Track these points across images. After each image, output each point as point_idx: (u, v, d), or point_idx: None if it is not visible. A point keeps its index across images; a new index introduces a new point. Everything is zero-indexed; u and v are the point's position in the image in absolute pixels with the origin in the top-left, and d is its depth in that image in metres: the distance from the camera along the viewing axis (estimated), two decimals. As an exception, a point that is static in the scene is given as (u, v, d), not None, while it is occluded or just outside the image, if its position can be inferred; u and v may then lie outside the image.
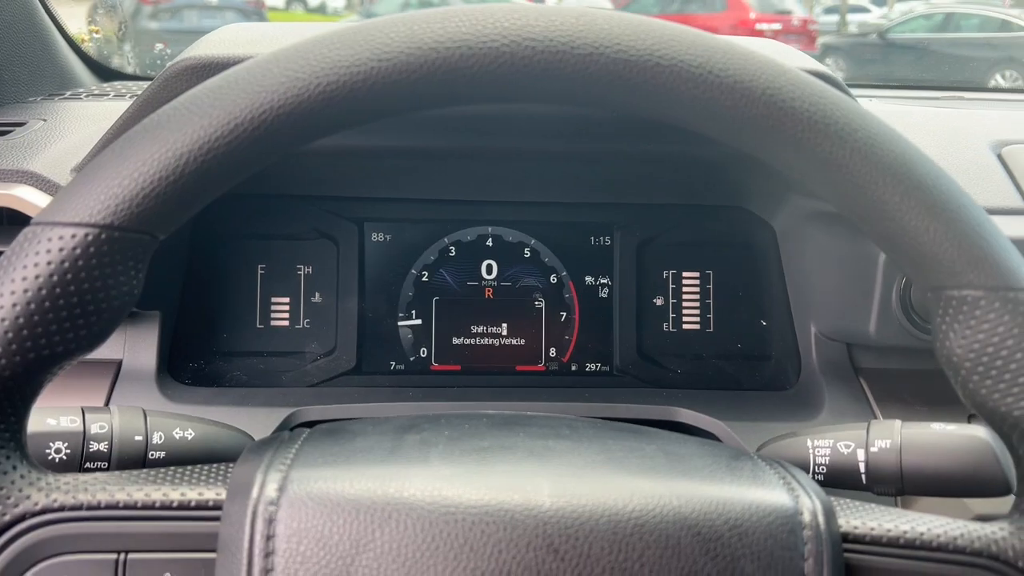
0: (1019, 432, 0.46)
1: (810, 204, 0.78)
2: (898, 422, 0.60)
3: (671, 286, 0.89)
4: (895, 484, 0.59)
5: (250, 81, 0.44)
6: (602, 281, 0.89)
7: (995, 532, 0.46)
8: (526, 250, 0.89)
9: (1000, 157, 0.84)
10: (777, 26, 10.58)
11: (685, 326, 0.89)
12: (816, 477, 0.60)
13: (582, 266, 0.89)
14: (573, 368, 0.89)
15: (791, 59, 0.74)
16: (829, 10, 13.64)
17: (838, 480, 0.60)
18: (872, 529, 0.46)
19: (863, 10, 15.29)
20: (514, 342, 0.89)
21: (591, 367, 0.89)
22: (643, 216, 0.88)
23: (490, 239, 0.88)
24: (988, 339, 0.45)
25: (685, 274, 0.89)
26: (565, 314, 0.89)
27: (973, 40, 10.57)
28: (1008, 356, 0.45)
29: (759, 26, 10.37)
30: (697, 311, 0.89)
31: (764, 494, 0.45)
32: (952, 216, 0.45)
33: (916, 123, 0.88)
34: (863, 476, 0.60)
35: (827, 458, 0.61)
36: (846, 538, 0.45)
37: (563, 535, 0.41)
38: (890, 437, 0.60)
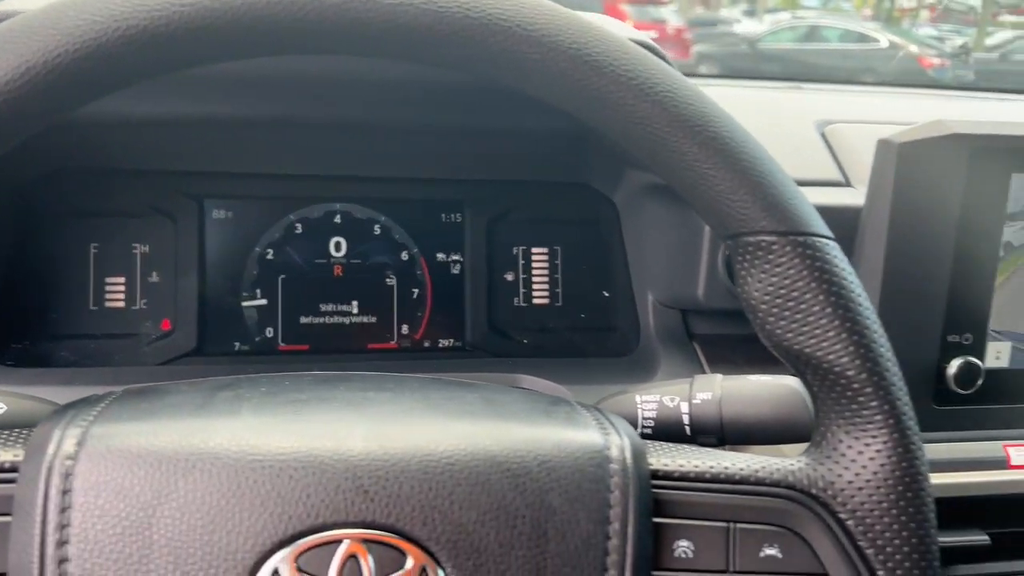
0: (811, 368, 0.49)
1: (645, 178, 0.81)
2: (719, 376, 0.63)
3: (521, 262, 0.90)
4: (716, 434, 0.62)
5: (45, 24, 0.42)
6: (453, 258, 0.90)
7: (792, 465, 0.49)
8: (376, 227, 0.89)
9: (823, 135, 0.89)
10: (653, 34, 10.87)
11: (535, 301, 0.91)
12: (644, 431, 0.63)
13: (433, 243, 0.89)
14: (426, 344, 0.89)
15: (622, 30, 0.77)
16: (702, 23, 14.18)
17: (665, 433, 0.63)
18: (681, 466, 0.48)
19: (734, 22, 15.94)
20: (365, 320, 0.88)
21: (443, 343, 0.89)
22: (493, 193, 0.90)
23: (338, 216, 0.88)
24: (780, 281, 0.48)
25: (534, 250, 0.91)
26: (417, 291, 0.89)
27: (834, 51, 11.22)
28: (798, 297, 0.48)
29: (636, 33, 10.66)
30: (546, 286, 0.91)
31: (575, 434, 0.47)
32: (746, 166, 0.47)
33: (748, 103, 0.92)
34: (687, 428, 0.63)
35: (654, 412, 0.63)
36: (655, 475, 0.47)
37: (373, 476, 0.42)
38: (711, 389, 0.63)
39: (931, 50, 11.28)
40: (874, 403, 0.48)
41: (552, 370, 0.80)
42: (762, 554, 0.47)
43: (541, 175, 0.90)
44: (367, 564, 0.40)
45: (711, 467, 0.48)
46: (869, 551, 0.48)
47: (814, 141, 0.87)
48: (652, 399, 0.64)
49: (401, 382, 0.52)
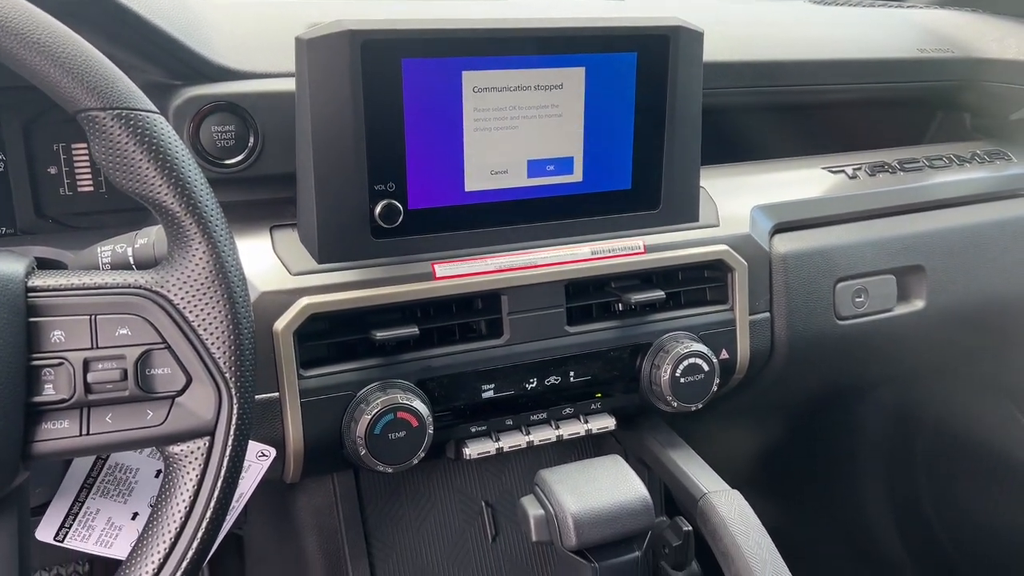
0: (154, 208, 0.70)
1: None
2: (157, 227, 0.83)
3: (63, 156, 1.06)
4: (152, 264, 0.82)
5: None
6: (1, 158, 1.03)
7: (142, 276, 0.71)
8: None
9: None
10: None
11: (80, 189, 1.07)
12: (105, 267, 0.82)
13: None
14: None
15: None
16: None
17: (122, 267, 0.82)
18: (58, 283, 0.68)
19: None
20: None
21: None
22: (26, 97, 1.02)
23: None
24: (113, 146, 0.68)
25: (75, 145, 1.06)
26: None
27: None
28: (129, 157, 0.68)
29: None
30: (89, 175, 1.07)
31: None
32: (66, 59, 0.66)
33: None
34: (132, 262, 0.83)
35: (109, 256, 0.83)
36: (33, 289, 0.67)
37: None
38: (149, 236, 0.83)
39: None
40: (191, 227, 0.70)
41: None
42: (116, 333, 0.69)
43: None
44: None
45: (84, 282, 0.69)
46: (194, 321, 0.70)
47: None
48: (107, 247, 0.83)
49: None
